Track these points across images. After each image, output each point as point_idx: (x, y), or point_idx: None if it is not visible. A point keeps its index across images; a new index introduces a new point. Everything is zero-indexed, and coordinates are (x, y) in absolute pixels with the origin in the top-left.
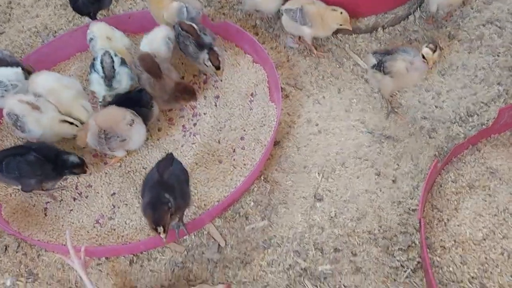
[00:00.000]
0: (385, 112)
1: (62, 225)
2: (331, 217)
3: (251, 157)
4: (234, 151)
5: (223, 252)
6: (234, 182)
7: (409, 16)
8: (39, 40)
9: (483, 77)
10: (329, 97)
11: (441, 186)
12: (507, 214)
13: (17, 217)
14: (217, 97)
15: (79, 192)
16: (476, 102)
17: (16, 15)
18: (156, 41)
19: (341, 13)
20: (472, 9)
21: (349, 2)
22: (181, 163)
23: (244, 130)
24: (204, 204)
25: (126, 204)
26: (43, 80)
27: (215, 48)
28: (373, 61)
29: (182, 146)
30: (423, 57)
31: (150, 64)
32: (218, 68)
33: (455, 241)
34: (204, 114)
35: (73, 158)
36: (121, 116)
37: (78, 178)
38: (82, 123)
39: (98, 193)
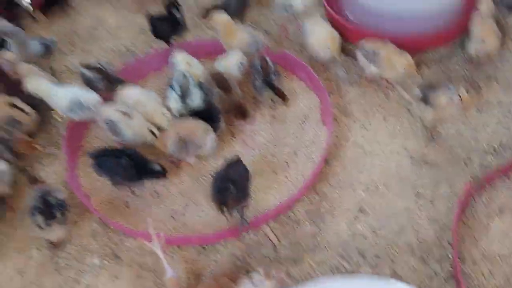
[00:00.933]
0: (426, 140)
1: (142, 217)
2: (373, 228)
3: (303, 172)
4: (287, 164)
5: (278, 251)
6: (288, 192)
7: (451, 56)
8: (120, 60)
9: None
10: (375, 123)
11: (473, 208)
12: None
13: (103, 207)
14: (274, 117)
15: (156, 191)
16: (509, 137)
17: (101, 37)
18: (230, 65)
19: (407, 59)
20: (510, 52)
21: (398, 40)
22: (245, 165)
23: (297, 147)
24: (262, 208)
25: (195, 203)
26: (131, 92)
27: (279, 86)
28: (417, 93)
29: (242, 157)
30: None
31: (221, 81)
32: (285, 100)
33: (484, 255)
34: (262, 131)
35: (157, 167)
36: (198, 126)
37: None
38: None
39: (172, 192)
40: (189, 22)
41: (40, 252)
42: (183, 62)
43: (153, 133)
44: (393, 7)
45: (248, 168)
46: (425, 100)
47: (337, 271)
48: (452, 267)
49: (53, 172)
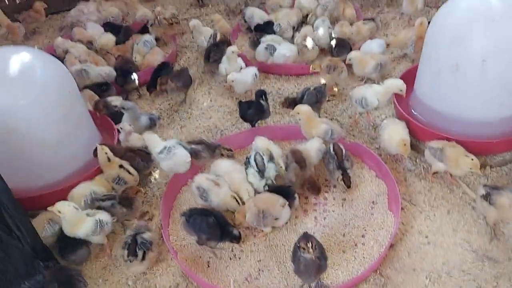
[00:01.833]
0: (489, 237)
1: (220, 276)
2: None
3: (370, 253)
4: (355, 245)
5: None
6: (355, 270)
7: None
8: (211, 135)
9: None
10: (439, 215)
11: None
12: None
13: (188, 263)
14: (344, 199)
15: (234, 254)
16: None
17: (195, 115)
18: (311, 150)
19: (472, 159)
20: None
21: (465, 142)
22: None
23: (365, 230)
24: (330, 282)
25: (269, 270)
26: (223, 164)
27: (350, 173)
28: (482, 191)
29: (313, 233)
30: None
31: (299, 157)
32: (349, 187)
33: None
34: (333, 211)
35: (235, 232)
36: (276, 200)
37: (234, 244)
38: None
39: (248, 257)
40: (271, 109)
41: None
42: (262, 143)
43: (237, 201)
44: (461, 113)
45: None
46: (488, 199)
47: None
48: None
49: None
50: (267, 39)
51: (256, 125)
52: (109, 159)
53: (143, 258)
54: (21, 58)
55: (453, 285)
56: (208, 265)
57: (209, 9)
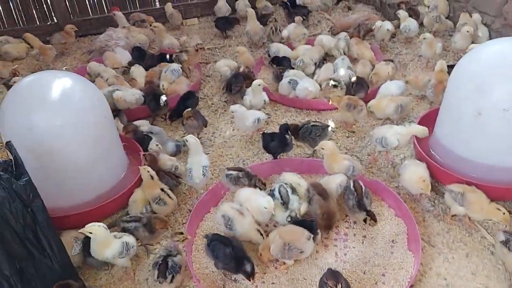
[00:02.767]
0: (508, 284)
1: None
2: None
3: None
4: (376, 283)
5: None
6: None
7: None
8: (233, 164)
9: None
10: (457, 258)
11: None
12: None
13: None
14: (364, 236)
15: (255, 286)
16: None
17: (217, 143)
18: (332, 184)
19: (504, 213)
20: None
21: (485, 187)
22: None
23: (385, 268)
24: None
25: None
26: (245, 192)
27: (372, 210)
28: (502, 237)
29: (334, 269)
30: None
31: (320, 189)
32: (376, 222)
33: None
34: (353, 247)
35: (248, 268)
36: (301, 232)
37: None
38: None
39: None
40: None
41: None
42: (288, 175)
43: (261, 233)
44: (481, 158)
45: None
46: (508, 246)
47: None
48: None
49: None
50: (290, 73)
51: (278, 156)
52: (152, 177)
53: (171, 281)
54: (62, 83)
55: None
56: None
57: (232, 41)
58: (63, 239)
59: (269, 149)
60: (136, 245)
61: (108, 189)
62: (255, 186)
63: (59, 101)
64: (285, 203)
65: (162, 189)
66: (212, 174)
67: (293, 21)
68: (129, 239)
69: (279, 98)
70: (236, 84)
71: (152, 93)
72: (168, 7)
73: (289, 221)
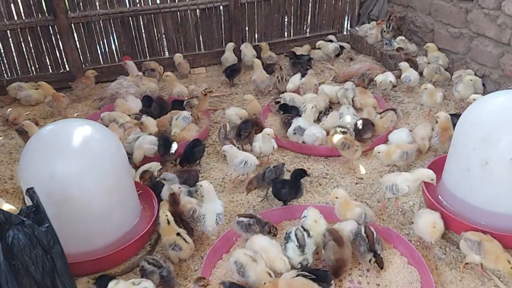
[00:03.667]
0: None
1: None
2: None
3: None
4: None
5: None
6: None
7: None
8: (243, 210)
9: None
10: None
11: None
12: None
13: None
14: (378, 285)
15: None
16: None
17: (228, 188)
18: (344, 231)
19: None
20: None
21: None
22: None
23: None
24: None
25: None
26: (259, 240)
27: (381, 254)
28: None
29: None
30: None
31: (336, 236)
32: (381, 268)
33: None
34: None
35: None
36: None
37: None
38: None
39: None
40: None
41: None
42: (312, 218)
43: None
44: (489, 206)
45: None
46: None
47: None
48: None
49: None
50: (298, 121)
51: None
52: (168, 222)
53: None
54: (81, 130)
55: None
56: None
57: (239, 89)
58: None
59: (280, 196)
60: None
61: (121, 235)
62: (269, 233)
63: (80, 149)
64: (301, 246)
65: (178, 234)
66: (224, 220)
67: (298, 71)
68: (148, 284)
69: (287, 145)
70: (245, 130)
71: (162, 138)
72: (177, 57)
73: (299, 268)
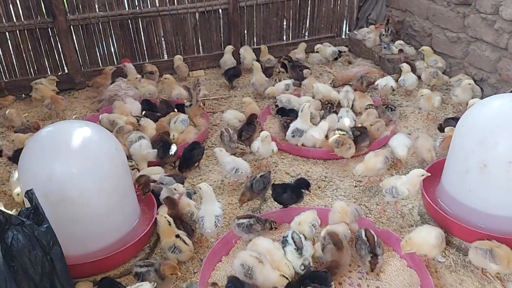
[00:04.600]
0: None
1: None
2: None
3: None
4: None
5: None
6: None
7: None
8: (242, 212)
9: None
10: None
11: None
12: None
13: None
14: (378, 287)
15: None
16: None
17: (227, 191)
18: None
19: None
20: None
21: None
22: None
23: None
24: None
25: None
26: (262, 242)
27: (379, 258)
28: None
29: None
30: None
31: (336, 240)
32: (372, 271)
33: None
34: None
35: None
36: None
37: None
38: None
39: None
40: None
41: None
42: (296, 220)
43: (285, 278)
44: (488, 208)
45: None
46: None
47: None
48: None
49: None
50: (296, 123)
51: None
52: (169, 223)
53: None
54: (80, 132)
55: None
56: None
57: (237, 92)
58: None
59: (280, 200)
60: None
61: (120, 237)
62: (270, 229)
63: (78, 150)
64: (299, 249)
65: (177, 236)
66: (223, 222)
67: (297, 74)
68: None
69: (286, 148)
70: (247, 132)
71: (161, 140)
72: (176, 59)
73: (302, 269)
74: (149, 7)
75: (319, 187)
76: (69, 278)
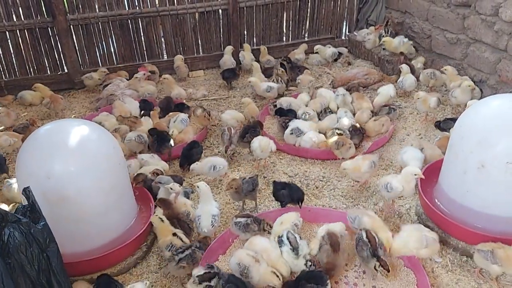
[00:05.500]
0: None
1: None
2: None
3: None
4: None
5: None
6: None
7: None
8: (240, 211)
9: None
10: None
11: None
12: None
13: None
14: (374, 287)
15: None
16: None
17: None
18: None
19: None
20: None
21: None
22: None
23: None
24: None
25: None
26: (260, 241)
27: (384, 258)
28: None
29: None
30: None
31: (334, 241)
32: (388, 271)
33: None
34: None
35: None
36: None
37: None
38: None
39: None
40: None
41: None
42: (288, 221)
43: (277, 276)
44: (486, 209)
45: None
46: None
47: None
48: None
49: None
50: (295, 123)
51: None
52: (162, 220)
53: None
54: (78, 130)
55: None
56: None
57: (236, 92)
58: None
59: (278, 197)
60: None
61: (118, 235)
62: (263, 230)
63: (76, 149)
64: (295, 249)
65: (174, 234)
66: (220, 221)
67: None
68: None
69: (284, 147)
70: (251, 135)
71: (156, 133)
72: (177, 58)
73: (309, 266)
74: (149, 7)
75: (316, 187)
76: (65, 275)
